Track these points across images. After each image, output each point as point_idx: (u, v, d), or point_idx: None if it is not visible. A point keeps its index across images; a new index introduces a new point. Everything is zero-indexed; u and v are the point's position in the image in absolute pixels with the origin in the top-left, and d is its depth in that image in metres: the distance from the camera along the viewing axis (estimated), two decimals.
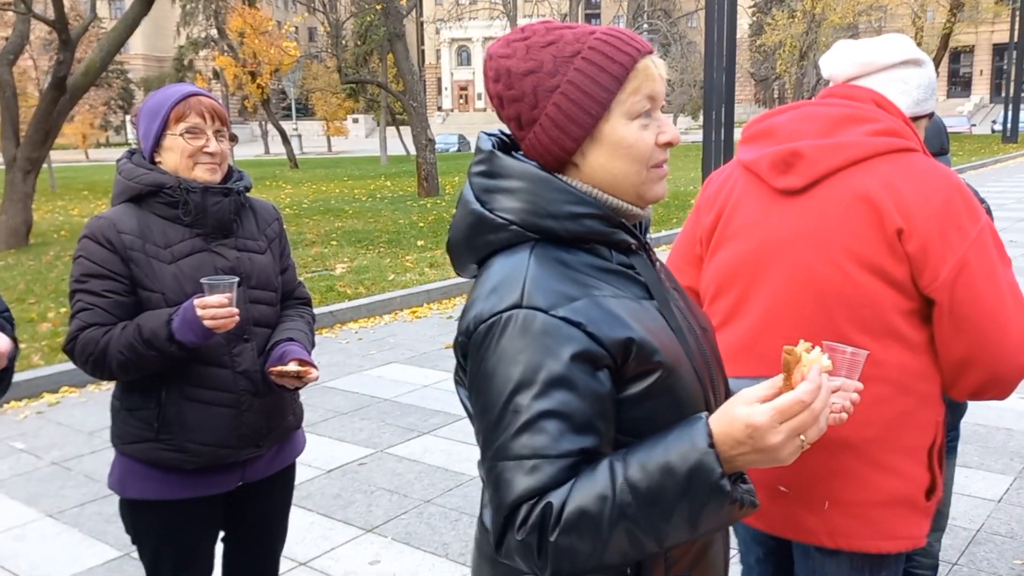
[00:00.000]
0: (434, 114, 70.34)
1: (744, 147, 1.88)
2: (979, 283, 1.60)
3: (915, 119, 1.83)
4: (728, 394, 1.34)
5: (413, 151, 20.76)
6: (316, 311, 4.94)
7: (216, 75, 44.82)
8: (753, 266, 1.78)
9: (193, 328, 1.94)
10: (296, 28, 52.22)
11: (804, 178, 1.71)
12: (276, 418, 2.20)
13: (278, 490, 2.31)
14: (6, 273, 9.90)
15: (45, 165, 16.10)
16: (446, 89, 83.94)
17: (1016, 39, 32.02)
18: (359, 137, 67.98)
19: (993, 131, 42.48)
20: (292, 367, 2.05)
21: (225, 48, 40.85)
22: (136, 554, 2.21)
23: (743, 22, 49.77)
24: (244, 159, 41.79)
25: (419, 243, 11.50)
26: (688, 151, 21.88)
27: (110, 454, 2.19)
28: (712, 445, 1.03)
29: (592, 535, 1.04)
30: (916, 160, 1.68)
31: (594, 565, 1.07)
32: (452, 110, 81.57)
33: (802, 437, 1.04)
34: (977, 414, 4.66)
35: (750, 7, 52.00)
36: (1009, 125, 32.41)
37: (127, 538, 2.19)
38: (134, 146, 2.18)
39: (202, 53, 50.25)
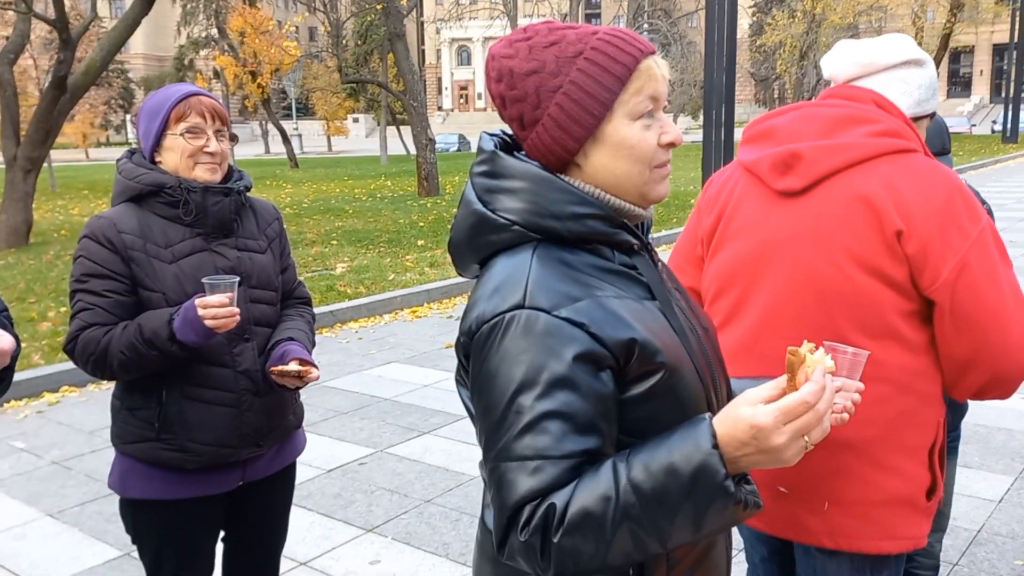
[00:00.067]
0: (434, 114, 70.36)
1: (744, 148, 1.88)
2: (980, 284, 1.60)
3: (916, 119, 1.83)
4: (730, 394, 1.34)
5: (413, 151, 20.77)
6: (316, 311, 4.93)
7: (216, 74, 44.85)
8: (753, 267, 1.78)
9: (194, 328, 1.94)
10: (296, 28, 52.20)
11: (804, 179, 1.71)
12: (277, 417, 2.20)
13: (278, 490, 2.31)
14: (6, 272, 9.90)
15: (45, 164, 16.09)
16: (446, 89, 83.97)
17: (1016, 39, 32.01)
18: (359, 137, 68.00)
19: (993, 131, 42.48)
20: (293, 366, 2.05)
21: (225, 47, 40.86)
22: (136, 554, 2.21)
23: (743, 22, 49.79)
24: (244, 158, 41.80)
25: (419, 243, 11.50)
26: (688, 151, 21.89)
27: (110, 453, 2.19)
28: (716, 446, 1.03)
29: (595, 536, 1.04)
30: (916, 161, 1.68)
31: (597, 566, 1.07)
32: (452, 110, 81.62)
33: (806, 438, 1.04)
34: (978, 414, 4.66)
35: (750, 7, 51.98)
36: (1009, 125, 32.41)
37: (127, 537, 2.19)
38: (134, 146, 2.18)
39: (202, 52, 50.29)
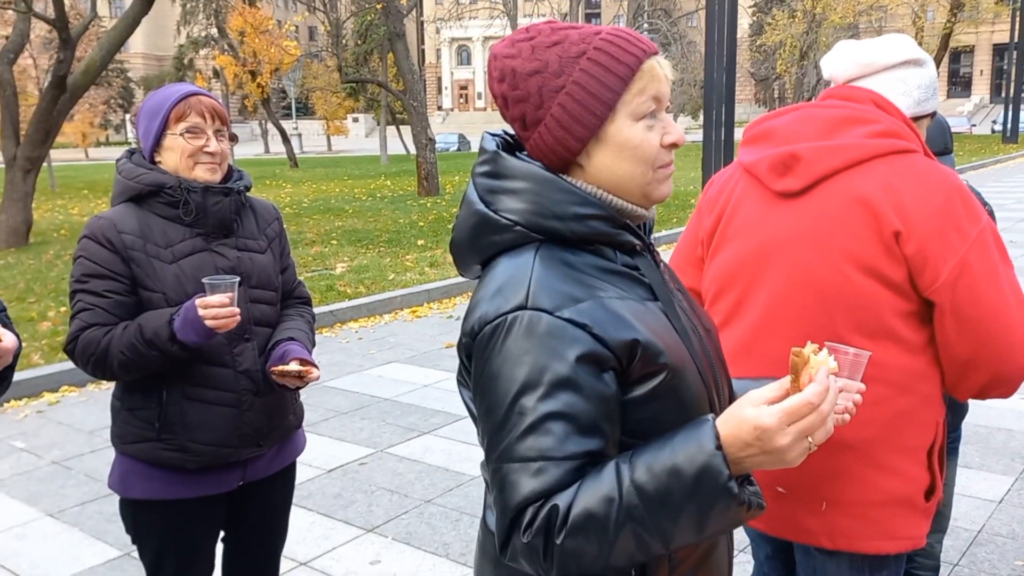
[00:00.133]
0: (434, 113, 70.39)
1: (744, 149, 1.88)
2: (981, 284, 1.60)
3: (916, 119, 1.83)
4: (731, 395, 1.34)
5: (413, 150, 20.76)
6: (316, 311, 4.92)
7: (216, 74, 44.84)
8: (753, 267, 1.79)
9: (195, 328, 1.93)
10: (296, 27, 52.19)
11: (802, 180, 1.71)
12: (277, 417, 2.20)
13: (279, 490, 2.31)
14: (6, 272, 9.90)
15: (45, 164, 16.09)
16: (446, 88, 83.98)
17: (1016, 39, 32.02)
18: (359, 136, 68.03)
19: (993, 131, 42.50)
20: (293, 366, 2.05)
21: (225, 47, 40.83)
22: (137, 554, 2.20)
23: (743, 22, 49.77)
24: (244, 158, 41.81)
25: (419, 242, 11.50)
26: (688, 151, 21.87)
27: (110, 453, 2.18)
28: (719, 447, 1.03)
29: (599, 537, 1.04)
30: (916, 161, 1.68)
31: (600, 567, 1.07)
32: (452, 109, 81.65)
33: (810, 439, 1.04)
34: (978, 415, 4.66)
35: (750, 7, 51.96)
36: (1009, 125, 32.42)
37: (128, 537, 2.19)
38: (134, 146, 2.18)
39: (202, 52, 50.28)
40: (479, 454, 1.17)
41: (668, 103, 1.22)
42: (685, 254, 2.00)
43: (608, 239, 1.20)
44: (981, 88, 64.35)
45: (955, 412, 2.52)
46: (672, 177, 1.26)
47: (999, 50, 57.36)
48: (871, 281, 1.64)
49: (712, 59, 12.68)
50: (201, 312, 1.92)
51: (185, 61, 51.67)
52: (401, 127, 36.58)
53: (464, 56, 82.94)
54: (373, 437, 4.88)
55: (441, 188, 18.90)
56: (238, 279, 1.99)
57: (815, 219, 1.69)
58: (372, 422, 5.13)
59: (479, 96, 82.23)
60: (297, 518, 3.38)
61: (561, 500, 1.05)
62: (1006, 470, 4.15)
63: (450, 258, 1.27)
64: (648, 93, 1.18)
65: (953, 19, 34.95)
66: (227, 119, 2.13)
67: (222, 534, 2.30)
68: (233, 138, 2.21)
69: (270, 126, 45.30)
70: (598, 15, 72.78)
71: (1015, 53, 32.37)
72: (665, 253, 1.76)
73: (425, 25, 63.12)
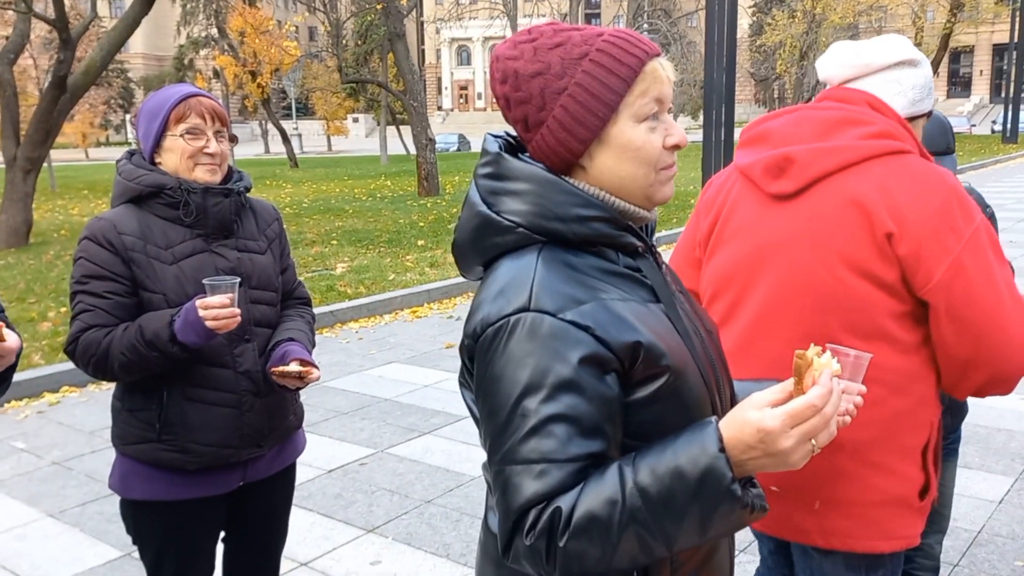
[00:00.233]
0: (434, 113, 70.39)
1: (740, 152, 1.90)
2: (976, 284, 1.61)
3: (912, 119, 1.84)
4: (733, 397, 1.34)
5: (413, 151, 20.77)
6: (316, 311, 4.92)
7: (216, 74, 44.83)
8: (749, 269, 1.80)
9: (195, 329, 1.93)
10: (296, 27, 52.21)
11: (796, 183, 1.72)
12: (277, 418, 2.20)
13: (279, 490, 2.31)
14: (6, 272, 9.90)
15: (45, 164, 16.09)
16: (446, 89, 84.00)
17: (1016, 39, 32.01)
18: (359, 136, 68.03)
19: (993, 131, 42.51)
20: (294, 367, 2.05)
21: (225, 47, 40.84)
22: (137, 554, 2.21)
23: (743, 22, 49.78)
24: (244, 158, 41.81)
25: (419, 243, 11.50)
26: (688, 151, 21.85)
27: (111, 454, 2.18)
28: (723, 450, 1.03)
29: (602, 539, 1.04)
30: (910, 162, 1.69)
31: (603, 569, 1.07)
32: (452, 109, 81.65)
33: (813, 442, 1.04)
34: (978, 415, 4.66)
35: (750, 7, 51.96)
36: (1009, 125, 32.44)
37: (128, 538, 2.19)
38: (134, 146, 2.18)
39: (202, 52, 50.28)
40: (479, 454, 1.17)
41: (670, 104, 1.22)
42: (684, 256, 2.01)
43: (610, 241, 1.20)
44: (981, 88, 64.35)
45: (955, 413, 2.52)
46: (674, 179, 1.26)
47: (999, 50, 57.36)
48: (864, 283, 1.64)
49: (712, 59, 12.68)
50: (201, 313, 1.92)
51: (185, 61, 51.68)
52: (401, 127, 36.58)
53: (464, 56, 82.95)
54: (373, 437, 4.88)
55: (441, 188, 18.90)
56: (238, 280, 1.99)
57: (809, 221, 1.70)
58: (372, 422, 5.13)
59: (479, 96, 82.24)
60: (297, 518, 3.38)
61: (564, 502, 1.05)
62: (1006, 470, 4.15)
63: (450, 258, 1.27)
64: (650, 95, 1.18)
65: (953, 19, 34.93)
66: (227, 120, 2.13)
67: (222, 535, 2.30)
68: (233, 139, 2.21)
69: (270, 126, 45.32)
70: (598, 15, 72.79)
71: (1015, 53, 32.37)
72: (665, 253, 1.77)
73: (425, 25, 63.11)
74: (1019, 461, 4.26)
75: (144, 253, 2.03)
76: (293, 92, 42.19)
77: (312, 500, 4.03)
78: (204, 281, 1.95)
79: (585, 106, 1.16)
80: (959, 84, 66.20)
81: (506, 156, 1.21)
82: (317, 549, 3.57)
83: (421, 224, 13.49)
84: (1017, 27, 31.80)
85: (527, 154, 1.23)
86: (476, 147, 46.25)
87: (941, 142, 2.44)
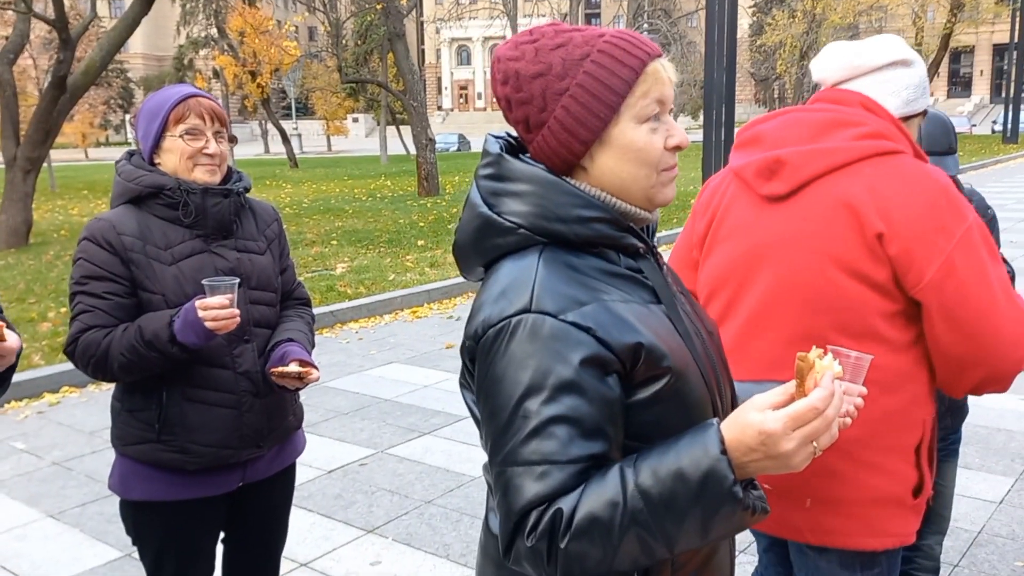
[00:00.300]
0: (434, 113, 70.41)
1: (734, 154, 1.92)
2: (969, 283, 1.61)
3: (907, 118, 1.84)
4: (734, 398, 1.35)
5: (413, 150, 20.77)
6: (316, 311, 4.91)
7: (216, 74, 44.82)
8: (743, 270, 1.82)
9: (195, 329, 1.93)
10: (296, 27, 52.19)
11: (788, 184, 1.74)
12: (277, 418, 2.20)
13: (278, 490, 2.31)
14: (6, 273, 9.90)
15: (45, 164, 16.09)
16: (446, 88, 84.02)
17: (1016, 39, 32.03)
18: (359, 136, 68.05)
19: (993, 131, 42.53)
20: (293, 368, 2.05)
21: (225, 47, 40.83)
22: (137, 555, 2.20)
23: (743, 22, 49.80)
24: (244, 158, 41.82)
25: (419, 243, 11.50)
26: (688, 151, 21.89)
27: (111, 454, 2.18)
28: (724, 451, 1.03)
29: (603, 541, 1.04)
30: (902, 162, 1.69)
31: (604, 571, 1.06)
32: (452, 109, 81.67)
33: (815, 444, 1.03)
34: (978, 416, 4.66)
35: (750, 7, 52.01)
36: (1009, 125, 32.44)
37: (128, 538, 2.19)
38: (133, 147, 2.18)
39: (202, 52, 50.26)
40: (480, 455, 1.17)
41: (671, 106, 1.22)
42: (681, 257, 2.03)
43: (611, 242, 1.20)
44: (981, 88, 64.37)
45: (955, 414, 2.52)
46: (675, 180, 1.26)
47: (999, 50, 57.38)
48: (855, 283, 1.66)
49: (712, 59, 12.69)
50: (201, 314, 1.92)
51: (185, 61, 51.65)
52: (401, 127, 36.57)
53: (464, 56, 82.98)
54: (373, 438, 4.88)
55: (441, 188, 18.90)
56: (237, 280, 1.99)
57: (801, 222, 1.72)
58: (372, 423, 5.13)
59: (479, 96, 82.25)
60: (297, 519, 3.38)
61: (565, 504, 1.05)
62: (1006, 471, 4.15)
63: (450, 258, 1.27)
64: (652, 96, 1.18)
65: (953, 19, 34.92)
66: (226, 121, 2.13)
67: (222, 535, 2.30)
68: (232, 139, 2.21)
69: (270, 126, 45.30)
70: (598, 15, 72.82)
71: (1015, 53, 32.38)
72: (666, 254, 1.77)
73: (425, 25, 63.14)
74: (1019, 461, 4.26)
75: (143, 254, 2.03)
76: (293, 92, 42.20)
77: (312, 500, 4.03)
78: (203, 282, 1.95)
79: (587, 107, 1.16)
80: (959, 84, 66.23)
81: (507, 157, 1.21)
82: (317, 549, 3.57)
83: (421, 224, 13.50)
84: (1017, 27, 31.81)
85: (528, 155, 1.23)
86: (476, 147, 46.26)
87: (943, 142, 2.45)
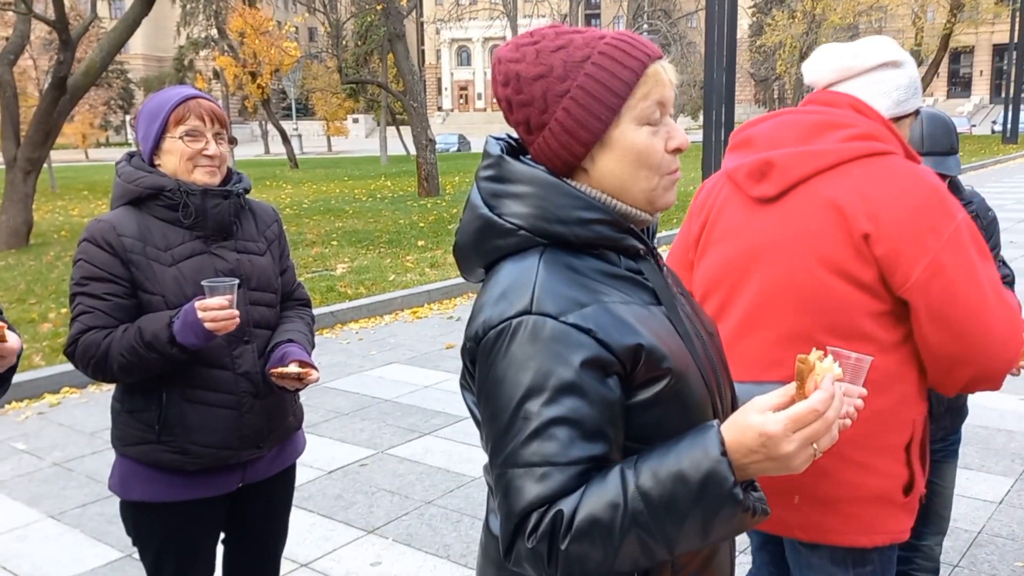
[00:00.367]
0: (434, 114, 70.42)
1: (728, 156, 1.94)
2: (958, 283, 1.62)
3: (898, 119, 1.85)
4: (734, 399, 1.35)
5: (413, 151, 20.78)
6: (316, 311, 4.91)
7: (216, 75, 44.83)
8: (736, 271, 1.83)
9: (194, 330, 1.94)
10: (296, 28, 52.21)
11: (777, 186, 1.75)
12: (277, 419, 2.20)
13: (278, 491, 2.31)
14: (7, 273, 9.90)
15: (45, 165, 16.09)
16: (446, 89, 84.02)
17: (1016, 39, 32.03)
18: (359, 137, 68.05)
19: (993, 132, 42.54)
20: (293, 368, 2.05)
21: (225, 48, 40.81)
22: (137, 555, 2.21)
23: (743, 22, 49.80)
24: (244, 159, 41.83)
25: (419, 243, 11.50)
26: (688, 151, 21.87)
27: (111, 455, 2.19)
28: (725, 453, 1.03)
29: (603, 543, 1.04)
30: (891, 163, 1.70)
31: (604, 572, 1.07)
32: (452, 110, 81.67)
33: (815, 446, 1.04)
34: (978, 416, 4.66)
35: (750, 7, 52.00)
36: (1009, 126, 32.46)
37: (128, 539, 2.19)
38: (133, 148, 2.18)
39: (202, 53, 50.26)
40: (480, 455, 1.17)
41: (672, 108, 1.22)
42: (678, 258, 2.05)
43: (612, 243, 1.20)
44: (981, 88, 64.38)
45: (955, 415, 2.52)
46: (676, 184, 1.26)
47: (999, 50, 57.37)
48: (843, 283, 1.67)
49: (712, 60, 12.68)
50: (200, 315, 1.92)
51: (185, 62, 51.66)
52: (401, 128, 36.58)
53: (464, 57, 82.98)
54: (373, 438, 4.88)
55: (441, 189, 18.90)
56: (237, 281, 1.99)
57: (790, 224, 1.73)
58: (372, 423, 5.13)
59: (479, 97, 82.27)
60: (297, 519, 3.38)
61: (566, 505, 1.05)
62: (1006, 471, 4.15)
63: (451, 259, 1.27)
64: (653, 98, 1.18)
65: (953, 19, 34.90)
66: (226, 122, 2.13)
67: (222, 536, 2.30)
68: (232, 141, 2.21)
69: (270, 127, 45.32)
70: (598, 16, 72.84)
71: (1015, 53, 32.39)
72: (665, 255, 1.78)
73: (425, 26, 63.12)
74: (1019, 462, 4.26)
75: (143, 255, 2.03)
76: (293, 93, 42.19)
77: (312, 501, 4.03)
78: (203, 283, 1.96)
79: (587, 109, 1.16)
80: (959, 84, 66.23)
81: (508, 159, 1.21)
82: (317, 550, 3.57)
83: (421, 224, 13.50)
84: (1017, 27, 31.81)
85: (529, 156, 1.23)
86: (476, 148, 46.28)
87: (945, 142, 2.45)
